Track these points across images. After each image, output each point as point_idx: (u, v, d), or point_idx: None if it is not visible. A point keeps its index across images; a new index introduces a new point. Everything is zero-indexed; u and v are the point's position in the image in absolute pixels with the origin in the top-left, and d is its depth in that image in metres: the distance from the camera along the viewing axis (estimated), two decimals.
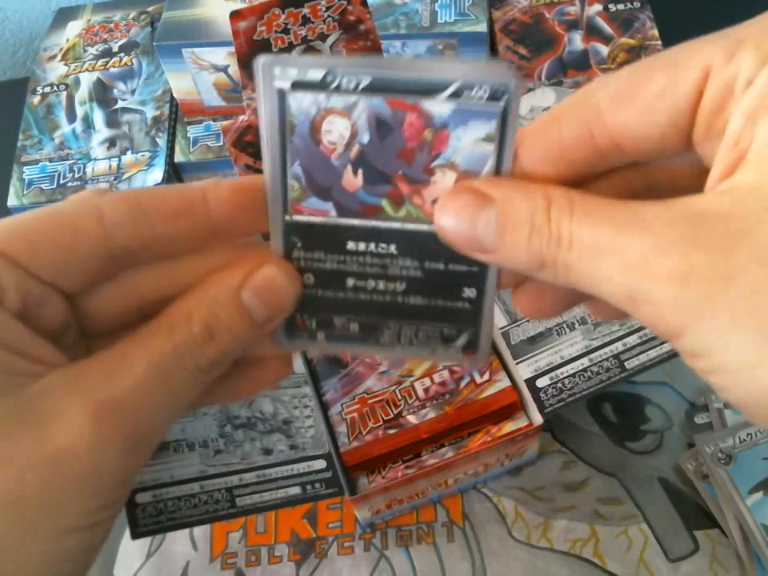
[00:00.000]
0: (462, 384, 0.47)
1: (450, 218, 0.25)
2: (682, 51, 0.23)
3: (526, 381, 0.46)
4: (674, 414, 0.55)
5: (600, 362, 0.46)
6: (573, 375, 0.46)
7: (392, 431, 0.46)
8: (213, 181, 0.27)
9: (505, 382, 0.47)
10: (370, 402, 0.47)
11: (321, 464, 0.46)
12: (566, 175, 0.25)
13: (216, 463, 0.45)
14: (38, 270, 0.26)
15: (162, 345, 0.25)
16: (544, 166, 0.25)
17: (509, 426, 0.46)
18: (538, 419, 0.46)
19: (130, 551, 0.53)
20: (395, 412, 0.46)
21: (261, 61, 0.25)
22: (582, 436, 0.55)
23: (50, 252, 0.25)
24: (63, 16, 0.74)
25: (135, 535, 0.44)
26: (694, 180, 0.24)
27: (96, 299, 0.28)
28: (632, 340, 0.47)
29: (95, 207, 0.26)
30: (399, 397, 0.47)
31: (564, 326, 0.47)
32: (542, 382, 0.46)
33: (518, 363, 0.47)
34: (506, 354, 0.48)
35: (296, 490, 0.46)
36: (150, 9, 0.72)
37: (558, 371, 0.46)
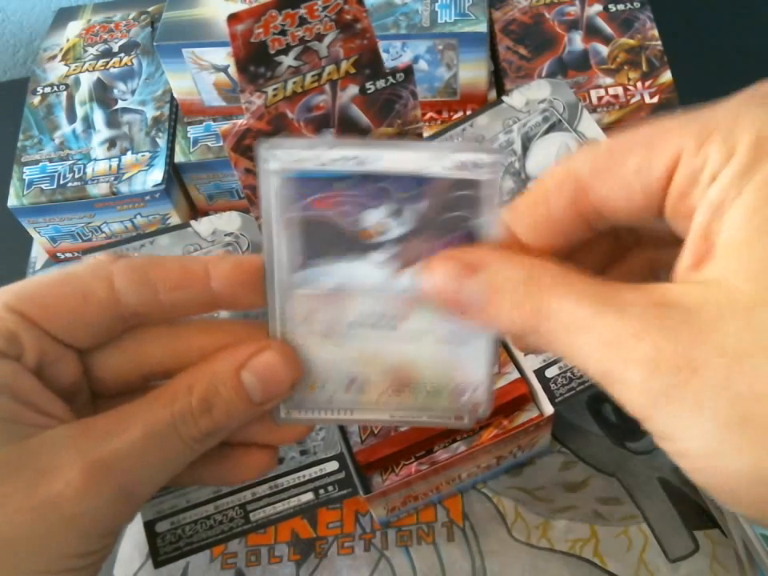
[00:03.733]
0: None
1: (437, 282, 0.26)
2: (658, 131, 0.24)
3: (534, 372, 0.46)
4: None
5: None
6: None
7: (404, 428, 0.46)
8: (217, 257, 0.30)
9: (514, 375, 0.47)
10: None
11: (333, 466, 0.46)
12: (556, 245, 0.27)
13: None
14: (53, 329, 0.28)
15: (160, 412, 0.28)
16: (535, 238, 0.27)
17: (520, 418, 0.47)
18: (548, 409, 0.46)
19: (130, 551, 0.53)
20: None
21: (260, 146, 0.27)
22: (582, 436, 0.55)
23: (64, 314, 0.28)
24: (63, 16, 0.74)
25: (157, 564, 0.44)
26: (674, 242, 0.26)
27: (106, 364, 0.30)
28: None
29: (107, 273, 0.29)
30: None
31: None
32: (550, 372, 0.46)
33: (526, 355, 0.47)
34: (514, 347, 0.48)
35: (309, 496, 0.46)
36: (150, 9, 0.72)
37: None
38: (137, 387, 0.31)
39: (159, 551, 0.44)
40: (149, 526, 0.44)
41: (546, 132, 0.54)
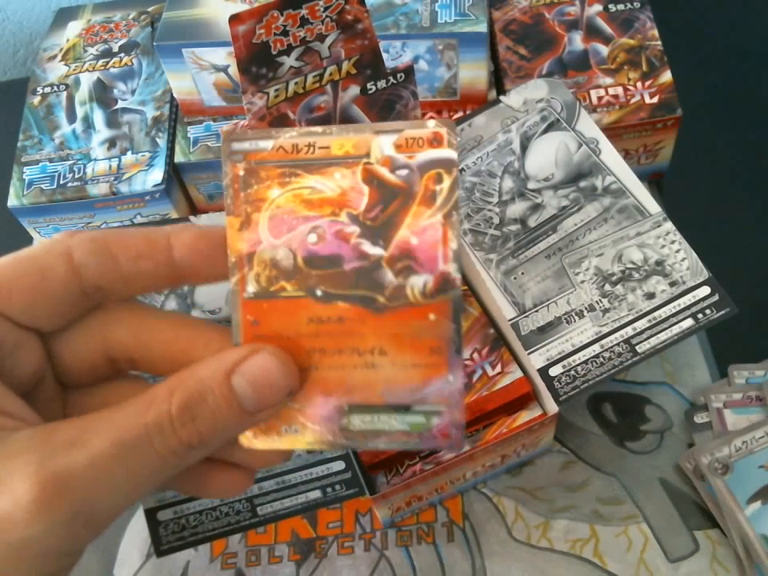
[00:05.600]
0: (475, 377, 0.47)
1: None
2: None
3: (538, 370, 0.46)
4: (674, 414, 0.55)
5: (611, 347, 0.46)
6: (585, 362, 0.46)
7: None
8: (180, 226, 0.27)
9: (517, 373, 0.47)
10: None
11: (340, 465, 0.46)
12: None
13: None
14: (10, 311, 0.26)
15: (131, 420, 0.24)
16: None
17: (524, 417, 0.47)
18: (553, 408, 0.46)
19: (129, 551, 0.53)
20: None
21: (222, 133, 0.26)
22: (582, 436, 0.55)
23: (21, 295, 0.26)
24: (63, 16, 0.74)
25: (159, 553, 0.43)
26: None
27: (69, 347, 0.28)
28: (641, 324, 0.47)
29: (65, 248, 0.26)
30: None
31: (573, 314, 0.48)
32: (554, 371, 0.46)
33: (529, 353, 0.47)
34: (517, 345, 0.48)
35: (317, 494, 0.46)
36: (150, 9, 0.72)
37: (570, 359, 0.47)
38: (104, 375, 0.29)
39: (162, 540, 0.44)
40: (150, 514, 0.44)
41: (545, 131, 0.54)
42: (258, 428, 0.27)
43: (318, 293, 0.26)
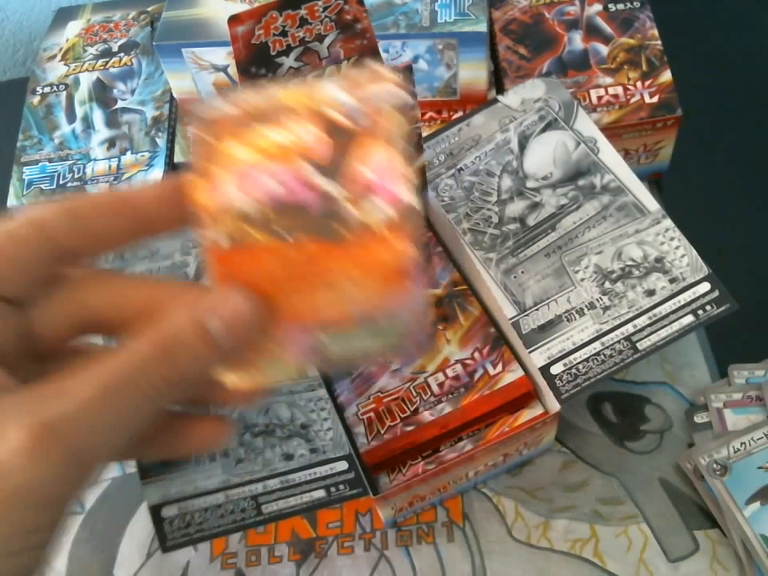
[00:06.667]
0: (476, 377, 0.47)
1: None
2: None
3: (540, 369, 0.46)
4: (674, 414, 0.55)
5: (612, 344, 0.46)
6: (586, 360, 0.46)
7: (409, 428, 0.46)
8: (143, 181, 0.29)
9: (518, 372, 0.47)
10: (385, 400, 0.47)
11: (343, 465, 0.46)
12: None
13: (239, 472, 0.46)
14: None
15: (115, 364, 0.26)
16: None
17: (525, 415, 0.47)
18: (554, 406, 0.46)
19: (130, 551, 0.53)
20: (411, 409, 0.47)
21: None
22: (582, 436, 0.55)
23: None
24: (63, 16, 0.74)
25: (165, 549, 0.44)
26: None
27: (44, 315, 0.29)
28: (642, 321, 0.47)
29: (35, 215, 0.27)
30: (414, 394, 0.47)
31: (573, 311, 0.47)
32: (556, 369, 0.46)
33: (530, 352, 0.47)
34: (518, 344, 0.48)
35: (320, 493, 0.46)
36: (149, 9, 0.72)
37: (571, 357, 0.46)
38: (81, 345, 0.30)
39: (167, 536, 0.44)
40: (154, 511, 0.44)
41: (543, 131, 0.54)
42: (240, 367, 0.28)
43: (288, 237, 0.27)
